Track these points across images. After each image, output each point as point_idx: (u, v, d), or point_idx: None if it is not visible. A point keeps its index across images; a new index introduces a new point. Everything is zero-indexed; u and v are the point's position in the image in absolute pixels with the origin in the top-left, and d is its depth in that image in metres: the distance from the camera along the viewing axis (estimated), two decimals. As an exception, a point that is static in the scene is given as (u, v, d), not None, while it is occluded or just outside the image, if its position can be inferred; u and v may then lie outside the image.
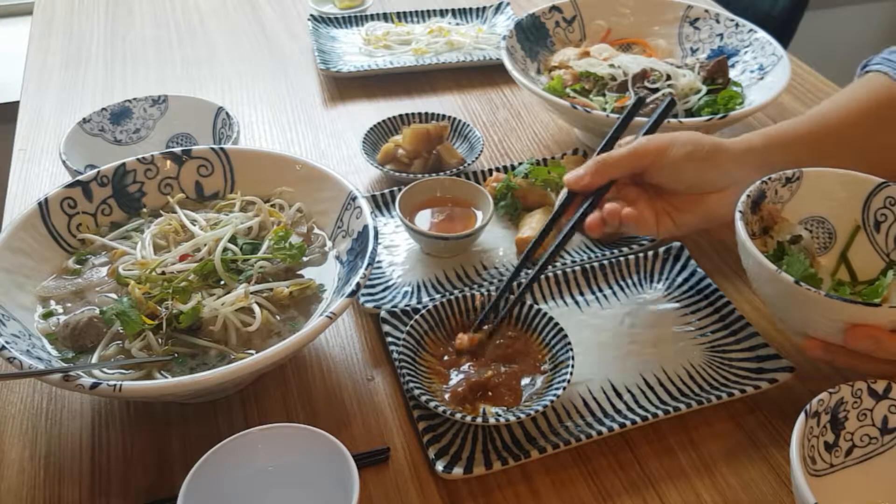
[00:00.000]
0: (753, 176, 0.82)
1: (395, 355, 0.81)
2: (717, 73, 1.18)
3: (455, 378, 0.79)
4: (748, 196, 0.80)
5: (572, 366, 0.77)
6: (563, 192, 0.86)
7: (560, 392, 0.74)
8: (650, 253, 0.95)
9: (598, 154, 0.85)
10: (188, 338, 0.77)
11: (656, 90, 1.14)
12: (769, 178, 0.82)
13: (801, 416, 0.65)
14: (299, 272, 0.86)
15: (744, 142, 0.87)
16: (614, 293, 0.92)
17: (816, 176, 0.84)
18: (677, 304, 0.91)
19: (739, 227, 0.76)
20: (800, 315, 0.73)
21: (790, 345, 0.87)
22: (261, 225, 0.89)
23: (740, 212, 0.77)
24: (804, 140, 0.89)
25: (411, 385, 0.75)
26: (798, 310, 0.72)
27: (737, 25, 1.27)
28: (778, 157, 0.86)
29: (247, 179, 0.95)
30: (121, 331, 0.77)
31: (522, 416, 0.73)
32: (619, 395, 0.80)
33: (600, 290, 0.92)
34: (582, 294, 0.92)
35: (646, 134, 0.87)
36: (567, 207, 0.85)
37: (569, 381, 0.75)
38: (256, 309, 0.78)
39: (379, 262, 0.96)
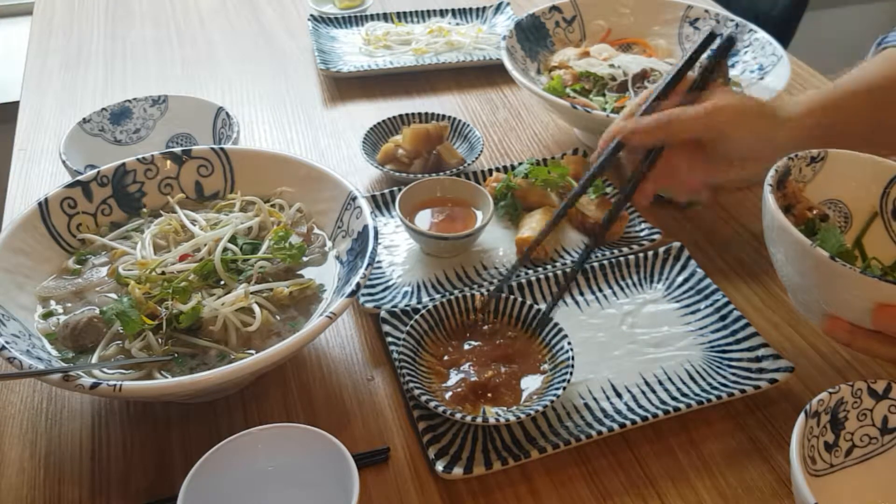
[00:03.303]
0: (797, 148, 0.79)
1: (395, 355, 0.81)
2: (717, 73, 1.17)
3: (455, 378, 0.79)
4: (776, 171, 0.78)
5: (572, 366, 0.77)
6: (608, 149, 0.80)
7: (560, 392, 0.74)
8: (650, 253, 0.95)
9: (643, 113, 0.81)
10: (188, 338, 0.77)
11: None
12: (796, 156, 0.81)
13: (801, 416, 0.65)
14: (299, 272, 0.86)
15: (796, 116, 0.84)
16: (614, 293, 0.92)
17: (840, 158, 0.82)
18: (677, 304, 0.91)
19: (770, 200, 0.74)
20: (828, 293, 0.71)
21: (790, 345, 0.87)
22: (261, 225, 0.89)
23: (770, 185, 0.76)
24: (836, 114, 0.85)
25: (411, 385, 0.75)
26: (828, 287, 0.70)
27: (737, 26, 1.27)
28: (818, 131, 0.84)
29: (247, 179, 0.95)
30: (121, 331, 0.77)
31: (522, 416, 0.73)
32: (619, 395, 0.80)
33: (600, 290, 0.92)
34: (582, 294, 0.92)
35: (702, 77, 0.80)
36: (604, 169, 0.80)
37: (569, 381, 0.75)
38: (256, 309, 0.78)
39: (379, 262, 0.96)
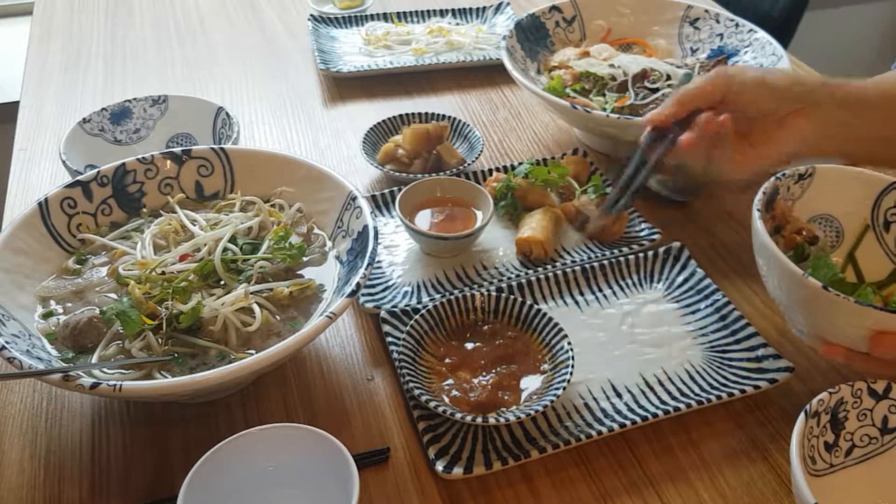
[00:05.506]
0: (822, 109, 0.81)
1: (395, 355, 0.81)
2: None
3: (457, 390, 0.78)
4: (764, 193, 0.78)
5: (572, 366, 0.77)
6: (645, 135, 0.86)
7: (560, 392, 0.74)
8: (650, 253, 0.95)
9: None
10: (188, 338, 0.77)
11: (656, 90, 1.14)
12: (783, 175, 0.81)
13: (801, 416, 0.65)
14: (299, 272, 0.86)
15: (816, 78, 0.86)
16: (614, 293, 0.92)
17: (828, 173, 0.83)
18: (677, 304, 0.91)
19: (759, 226, 0.74)
20: (823, 321, 0.71)
21: (790, 345, 0.87)
22: (261, 225, 0.89)
23: (758, 209, 0.76)
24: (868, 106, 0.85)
25: (411, 385, 0.75)
26: (822, 315, 0.70)
27: (737, 25, 1.27)
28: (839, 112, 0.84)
29: (247, 179, 0.95)
30: (121, 331, 0.77)
31: (522, 416, 0.73)
32: (619, 395, 0.80)
33: (600, 290, 0.92)
34: (582, 294, 0.92)
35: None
36: (651, 146, 0.86)
37: (569, 381, 0.75)
38: (256, 309, 0.78)
39: (379, 262, 0.96)
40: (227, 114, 1.08)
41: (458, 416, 0.73)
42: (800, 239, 0.82)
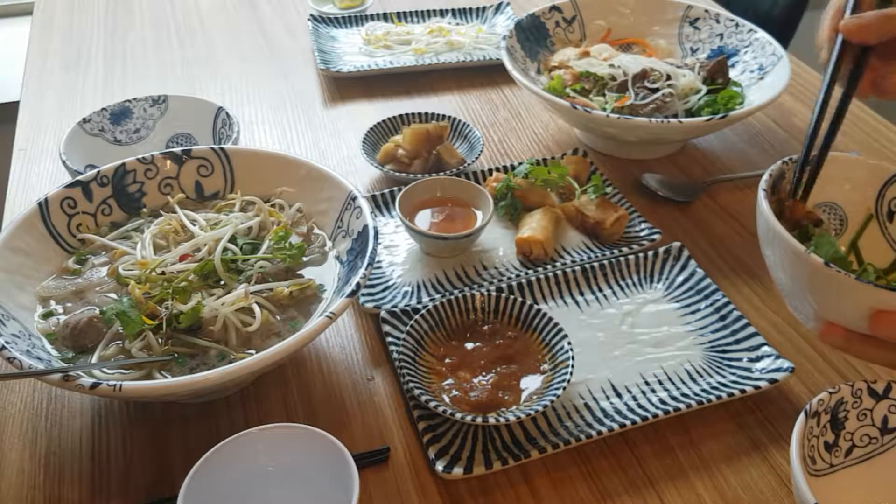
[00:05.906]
0: None
1: (395, 355, 0.81)
2: (717, 73, 1.18)
3: (457, 390, 0.78)
4: (770, 175, 0.78)
5: (572, 366, 0.77)
6: (835, 50, 0.81)
7: (560, 392, 0.74)
8: (650, 253, 0.95)
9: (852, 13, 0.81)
10: (188, 338, 0.77)
11: (656, 90, 1.14)
12: (790, 159, 0.81)
13: (801, 416, 0.65)
14: (299, 272, 0.86)
15: None
16: (614, 293, 0.92)
17: (835, 160, 0.82)
18: (677, 304, 0.91)
19: (764, 205, 0.74)
20: (823, 299, 0.70)
21: (790, 345, 0.87)
22: (261, 225, 0.89)
23: (764, 189, 0.76)
24: None
25: (411, 385, 0.75)
26: (823, 294, 0.70)
27: (737, 25, 1.27)
28: None
29: (247, 179, 0.95)
30: (121, 331, 0.77)
31: (522, 416, 0.73)
32: (619, 395, 0.80)
33: (600, 290, 0.92)
34: (582, 294, 0.92)
35: None
36: (839, 66, 0.80)
37: (569, 381, 0.75)
38: (256, 309, 0.78)
39: (379, 262, 0.96)
40: (227, 114, 1.08)
41: (458, 416, 0.73)
42: (805, 220, 0.82)
